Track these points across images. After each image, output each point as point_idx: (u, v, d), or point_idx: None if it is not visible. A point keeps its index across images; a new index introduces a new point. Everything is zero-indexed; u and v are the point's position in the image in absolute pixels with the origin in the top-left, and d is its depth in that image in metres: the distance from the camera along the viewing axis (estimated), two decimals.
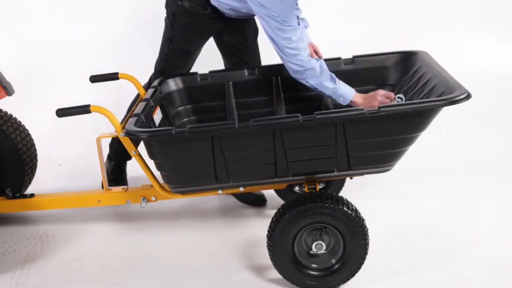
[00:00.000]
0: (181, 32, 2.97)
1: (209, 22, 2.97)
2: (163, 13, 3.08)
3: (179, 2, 2.91)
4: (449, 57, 4.10)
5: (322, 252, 2.43)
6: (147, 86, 3.15)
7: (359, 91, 2.94)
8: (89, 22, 4.78)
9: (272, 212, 2.67)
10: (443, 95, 2.29)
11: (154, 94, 2.77)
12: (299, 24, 2.75)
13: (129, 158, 3.37)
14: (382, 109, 2.16)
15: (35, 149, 3.28)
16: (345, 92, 2.67)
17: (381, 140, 2.27)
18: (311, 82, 2.66)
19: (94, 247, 2.96)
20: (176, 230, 3.07)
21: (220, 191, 2.55)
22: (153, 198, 2.80)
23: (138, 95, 3.11)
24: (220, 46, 3.19)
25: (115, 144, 3.31)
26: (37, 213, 3.27)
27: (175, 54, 3.04)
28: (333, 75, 2.69)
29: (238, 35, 2.98)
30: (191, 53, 3.06)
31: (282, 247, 2.40)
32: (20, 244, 3.01)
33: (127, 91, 3.60)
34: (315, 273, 2.46)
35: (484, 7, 5.07)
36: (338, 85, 2.67)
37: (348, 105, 2.68)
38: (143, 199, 2.80)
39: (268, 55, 3.62)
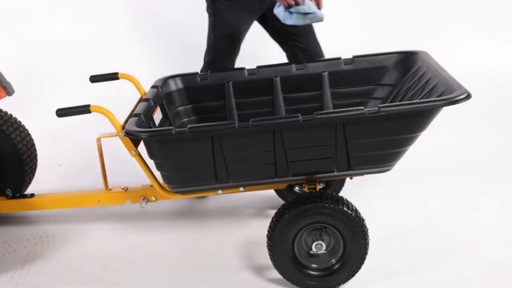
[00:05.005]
0: (223, 15, 3.00)
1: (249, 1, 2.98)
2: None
3: None
4: (449, 57, 4.11)
5: (322, 252, 2.43)
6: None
7: (359, 91, 2.96)
8: (89, 22, 4.79)
9: (272, 212, 2.67)
10: (443, 95, 2.29)
11: (154, 94, 2.77)
12: None
13: None
14: (382, 109, 2.16)
15: (35, 149, 3.28)
16: None
17: (381, 140, 2.26)
18: None
19: (94, 247, 2.96)
20: (176, 230, 3.07)
21: (220, 191, 2.55)
22: (153, 198, 2.80)
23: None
24: (272, 35, 3.19)
25: None
26: (37, 213, 3.27)
27: (221, 39, 3.05)
28: None
29: None
30: (237, 36, 3.06)
31: (282, 247, 2.40)
32: (20, 244, 3.01)
33: (127, 91, 3.60)
34: (315, 273, 2.46)
35: (484, 7, 5.07)
36: None
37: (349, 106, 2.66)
38: (143, 199, 2.81)
39: (268, 55, 3.64)
